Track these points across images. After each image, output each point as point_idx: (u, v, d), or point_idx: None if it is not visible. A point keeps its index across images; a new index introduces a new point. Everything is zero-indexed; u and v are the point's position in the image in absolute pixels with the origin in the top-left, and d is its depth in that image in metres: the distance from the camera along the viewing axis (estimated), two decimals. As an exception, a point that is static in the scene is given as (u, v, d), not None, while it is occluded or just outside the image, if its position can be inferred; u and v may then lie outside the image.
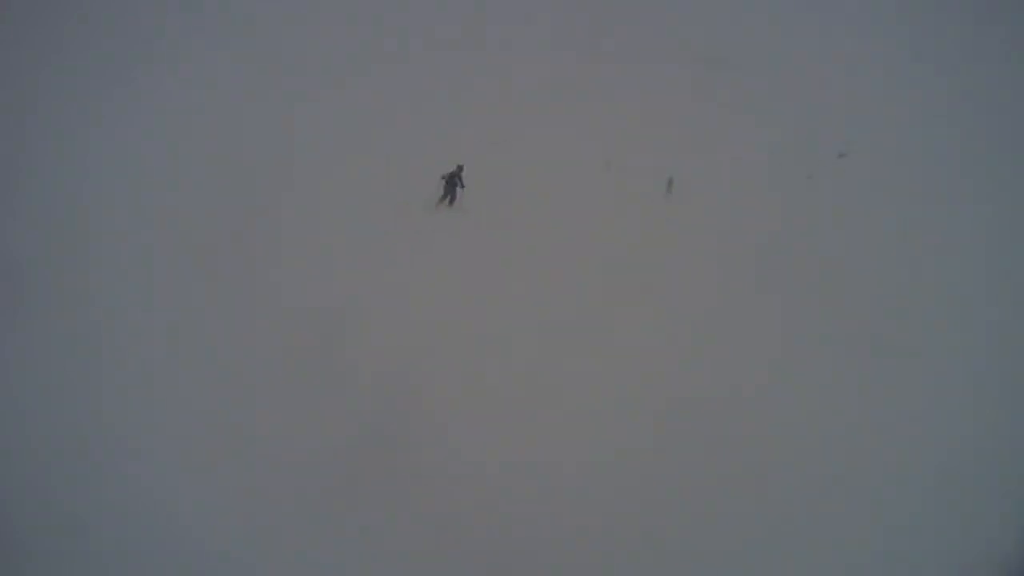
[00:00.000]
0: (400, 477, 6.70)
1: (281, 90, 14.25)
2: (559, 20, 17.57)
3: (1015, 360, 7.64)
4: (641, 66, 16.21)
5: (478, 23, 17.39)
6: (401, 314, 8.84)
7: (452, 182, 14.11)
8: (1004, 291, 8.72)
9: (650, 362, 8.08)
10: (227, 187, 11.12)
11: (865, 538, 6.03)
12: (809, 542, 5.99)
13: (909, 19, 15.39)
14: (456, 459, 6.90)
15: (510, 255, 10.21)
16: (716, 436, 7.08)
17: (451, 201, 14.01)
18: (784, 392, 7.56)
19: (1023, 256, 9.25)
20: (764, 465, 6.72)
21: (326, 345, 8.31)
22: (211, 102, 13.66)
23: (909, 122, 13.14)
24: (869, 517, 6.16)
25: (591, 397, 7.56)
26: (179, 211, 10.54)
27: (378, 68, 15.30)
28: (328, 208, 11.03)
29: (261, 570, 5.97)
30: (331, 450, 6.92)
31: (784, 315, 8.81)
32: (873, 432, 7.00)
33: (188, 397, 7.51)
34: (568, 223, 11.15)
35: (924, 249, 9.80)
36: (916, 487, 6.38)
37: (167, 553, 6.02)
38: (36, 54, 13.85)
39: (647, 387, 7.73)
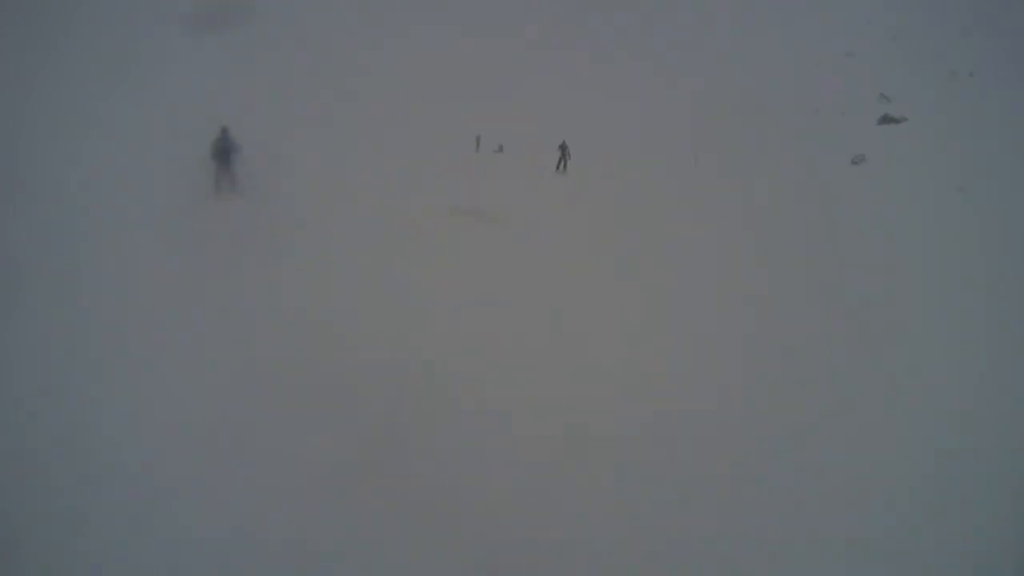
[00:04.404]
0: (399, 481, 6.69)
1: (283, 91, 14.29)
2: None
3: (1015, 359, 7.65)
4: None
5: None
6: (401, 317, 8.84)
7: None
8: (1005, 288, 8.74)
9: (649, 363, 8.07)
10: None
11: (864, 538, 6.03)
12: (808, 542, 5.99)
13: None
14: (455, 463, 6.89)
15: (511, 258, 10.23)
16: (715, 437, 7.08)
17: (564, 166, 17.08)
18: (783, 392, 7.57)
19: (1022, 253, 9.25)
20: (762, 465, 6.72)
21: (325, 346, 8.32)
22: (213, 103, 13.70)
23: (910, 124, 13.18)
24: (868, 517, 6.16)
25: (590, 399, 7.55)
26: (181, 210, 10.57)
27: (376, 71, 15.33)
28: (327, 211, 11.06)
29: (260, 570, 5.97)
30: (331, 452, 6.91)
31: (783, 313, 8.83)
32: (872, 431, 7.01)
33: (188, 397, 7.51)
34: (565, 221, 11.17)
35: (923, 246, 9.81)
36: (916, 487, 6.38)
37: (167, 554, 6.02)
38: (36, 54, 13.88)
39: (646, 388, 7.73)
